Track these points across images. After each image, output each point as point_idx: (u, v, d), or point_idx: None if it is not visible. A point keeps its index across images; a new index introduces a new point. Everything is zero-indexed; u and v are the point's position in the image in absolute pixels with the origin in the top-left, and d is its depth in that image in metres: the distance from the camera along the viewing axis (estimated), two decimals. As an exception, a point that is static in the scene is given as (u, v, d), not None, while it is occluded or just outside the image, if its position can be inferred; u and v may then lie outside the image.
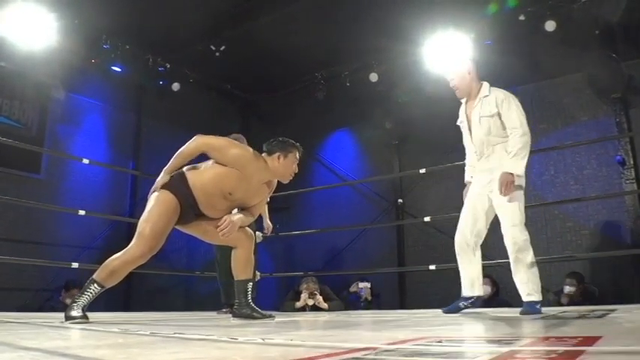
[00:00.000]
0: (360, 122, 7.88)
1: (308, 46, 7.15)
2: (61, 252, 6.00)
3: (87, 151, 6.43)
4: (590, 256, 5.93)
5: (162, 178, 2.75)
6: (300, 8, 6.27)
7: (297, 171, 3.03)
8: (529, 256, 2.88)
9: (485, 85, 3.16)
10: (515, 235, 2.89)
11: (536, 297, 2.83)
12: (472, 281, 3.12)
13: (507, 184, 2.85)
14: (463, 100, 3.25)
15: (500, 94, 3.06)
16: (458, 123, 3.30)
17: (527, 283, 2.85)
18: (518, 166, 2.88)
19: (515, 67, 6.30)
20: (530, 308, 2.81)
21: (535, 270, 2.89)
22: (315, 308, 5.03)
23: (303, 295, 5.03)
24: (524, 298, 2.86)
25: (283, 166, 2.93)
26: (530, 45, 6.10)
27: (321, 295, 5.10)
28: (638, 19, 5.53)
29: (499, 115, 2.99)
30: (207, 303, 5.29)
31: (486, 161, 3.07)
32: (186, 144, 2.83)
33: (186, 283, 7.39)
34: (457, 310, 3.14)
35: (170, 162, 2.80)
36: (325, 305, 4.99)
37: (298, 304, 5.00)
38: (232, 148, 2.85)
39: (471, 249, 3.10)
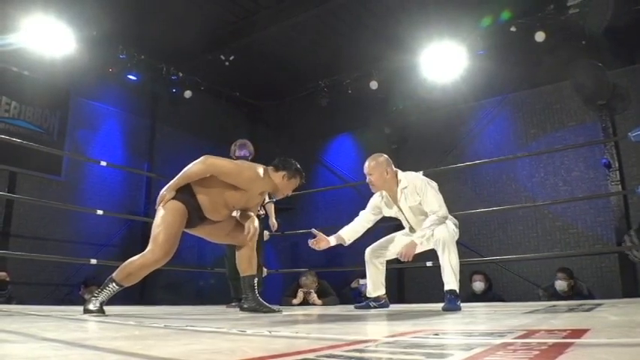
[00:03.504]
0: (360, 127, 7.88)
1: (312, 55, 7.17)
2: (80, 249, 6.03)
3: (104, 154, 6.46)
4: (578, 254, 5.92)
5: (168, 193, 2.65)
6: (304, 20, 6.30)
7: (290, 195, 3.04)
8: None
9: (400, 175, 3.23)
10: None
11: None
12: (375, 285, 3.40)
13: (409, 254, 3.04)
14: (378, 192, 3.33)
15: (417, 181, 3.16)
16: (388, 214, 3.37)
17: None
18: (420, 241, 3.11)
19: (506, 75, 6.31)
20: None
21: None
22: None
23: (300, 293, 5.04)
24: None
25: (283, 185, 2.92)
26: (521, 55, 6.10)
27: (319, 289, 5.09)
28: (622, 30, 5.53)
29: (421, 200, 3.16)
30: (217, 297, 5.30)
31: (415, 230, 3.26)
32: (194, 164, 2.67)
33: (197, 278, 7.40)
34: (368, 307, 3.37)
35: (176, 179, 2.66)
36: (319, 302, 4.98)
37: (295, 301, 5.00)
38: (241, 173, 2.76)
39: (376, 261, 3.42)
